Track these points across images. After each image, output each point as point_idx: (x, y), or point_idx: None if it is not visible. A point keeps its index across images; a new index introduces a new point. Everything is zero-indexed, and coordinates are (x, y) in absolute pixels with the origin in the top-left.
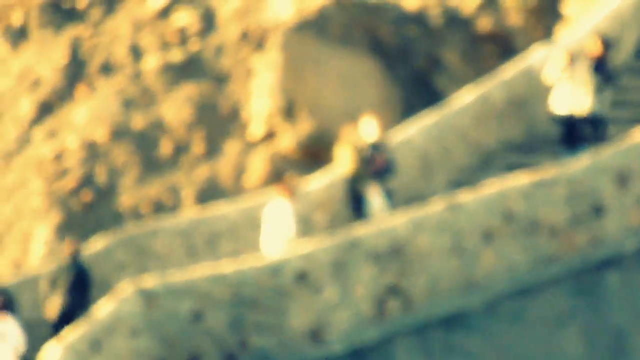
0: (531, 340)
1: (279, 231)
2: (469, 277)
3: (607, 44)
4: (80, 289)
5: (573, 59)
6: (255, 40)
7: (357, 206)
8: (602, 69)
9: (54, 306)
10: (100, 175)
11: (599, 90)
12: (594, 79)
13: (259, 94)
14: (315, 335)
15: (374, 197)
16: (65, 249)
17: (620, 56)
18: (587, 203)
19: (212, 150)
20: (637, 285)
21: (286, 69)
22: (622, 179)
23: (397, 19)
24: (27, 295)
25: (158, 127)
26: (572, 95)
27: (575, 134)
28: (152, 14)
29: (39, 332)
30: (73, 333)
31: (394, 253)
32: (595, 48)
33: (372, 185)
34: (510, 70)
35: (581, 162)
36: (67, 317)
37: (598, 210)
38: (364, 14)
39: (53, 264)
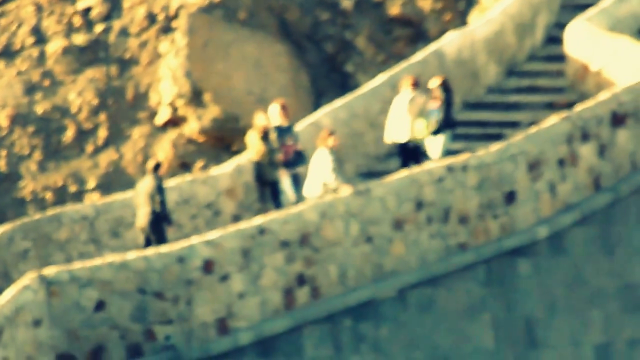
0: (441, 329)
1: (318, 177)
2: (378, 266)
3: (447, 87)
4: None
5: (416, 85)
6: (161, 24)
7: (265, 192)
8: (446, 113)
9: None
10: (1, 161)
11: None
12: (422, 112)
13: (165, 78)
14: (222, 324)
15: (284, 183)
16: None
17: (532, 42)
18: (499, 190)
19: (117, 135)
20: (548, 273)
21: (192, 52)
22: (534, 166)
23: (307, 2)
24: None
25: (61, 112)
26: (401, 123)
27: (408, 158)
28: None
29: None
30: None
31: (303, 241)
32: (436, 92)
33: (282, 171)
34: (420, 54)
35: (492, 148)
36: None
37: (509, 197)
38: None
39: None
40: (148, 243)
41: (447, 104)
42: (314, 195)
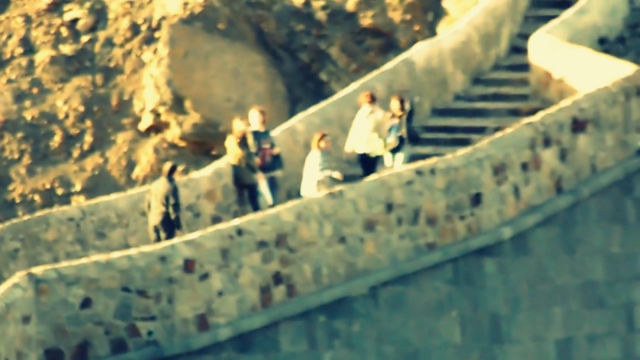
0: (411, 325)
1: (311, 177)
2: (351, 265)
3: (404, 103)
4: None
5: (373, 100)
6: (144, 34)
7: (243, 195)
8: (398, 129)
9: None
10: None
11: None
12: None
13: (148, 86)
14: (202, 321)
15: (261, 186)
16: None
17: (496, 51)
18: (465, 192)
19: (102, 140)
20: (513, 272)
21: (174, 62)
22: (499, 169)
23: (283, 14)
24: None
25: (49, 118)
26: (361, 136)
27: (368, 168)
28: (43, 8)
29: None
30: None
31: (279, 241)
32: (395, 109)
33: (259, 174)
34: (391, 63)
35: (459, 153)
36: None
37: (475, 199)
38: (250, 8)
39: None
40: (159, 240)
41: (408, 120)
42: (309, 194)
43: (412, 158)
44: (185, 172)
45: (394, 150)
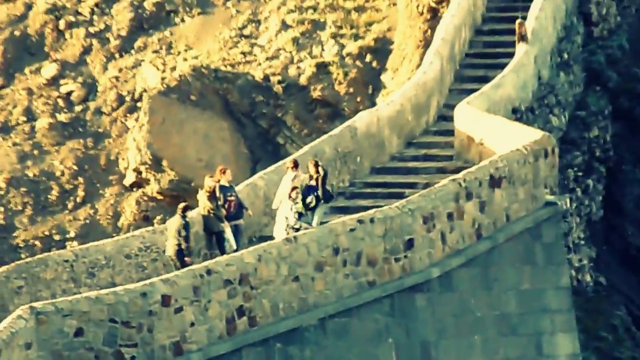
0: (354, 351)
1: (282, 223)
2: (303, 300)
3: (321, 167)
4: None
5: (296, 166)
6: (128, 104)
7: (211, 240)
8: (315, 190)
9: None
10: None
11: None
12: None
13: (131, 148)
14: (177, 347)
15: (227, 233)
16: None
17: (426, 119)
18: (400, 238)
19: (92, 194)
20: (440, 306)
21: (153, 128)
22: (428, 219)
23: (245, 87)
24: None
25: (48, 176)
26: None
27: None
28: (43, 82)
29: None
30: None
31: (242, 280)
32: (312, 172)
33: (225, 223)
34: (337, 129)
35: (395, 205)
36: None
37: (409, 244)
38: (218, 81)
39: None
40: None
41: (323, 182)
42: (280, 236)
43: (355, 210)
44: (163, 221)
45: (313, 209)
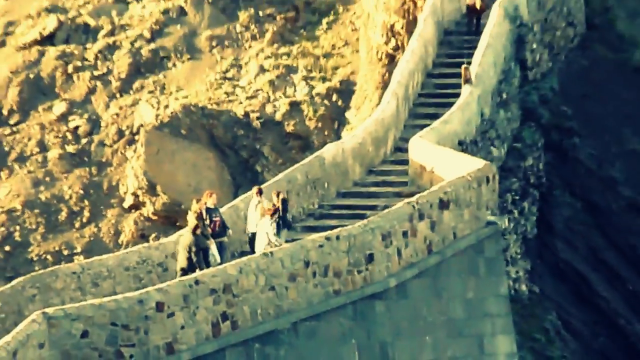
0: (322, 351)
1: (262, 239)
2: (279, 306)
3: (283, 199)
4: None
5: (260, 193)
6: (127, 138)
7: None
8: (283, 217)
9: None
10: (17, 233)
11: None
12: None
13: (130, 175)
14: (170, 347)
15: (212, 249)
16: None
17: (384, 150)
18: (362, 253)
19: (96, 215)
20: (396, 311)
21: (148, 158)
22: (386, 236)
23: (229, 122)
24: None
25: (58, 199)
26: (252, 220)
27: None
28: (54, 119)
29: None
30: None
31: (225, 289)
32: (275, 201)
33: (210, 240)
34: (308, 159)
35: (357, 224)
36: None
37: (369, 258)
38: (204, 118)
39: None
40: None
41: (284, 210)
42: (260, 249)
43: (323, 228)
44: (157, 238)
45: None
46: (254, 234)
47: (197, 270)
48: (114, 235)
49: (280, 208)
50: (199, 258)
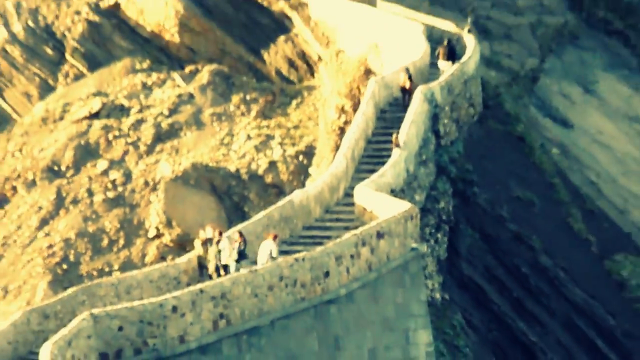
0: (292, 342)
1: (264, 257)
2: (261, 309)
3: (244, 237)
4: None
5: (221, 234)
6: (151, 186)
7: (203, 272)
8: (242, 254)
9: None
10: (71, 256)
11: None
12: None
13: (153, 214)
14: (182, 338)
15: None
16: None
17: (337, 196)
18: (320, 270)
19: (129, 243)
20: (346, 312)
21: (167, 201)
22: (338, 258)
23: (225, 176)
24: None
25: (101, 232)
26: (225, 253)
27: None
28: (99, 173)
29: None
30: (56, 336)
31: (222, 296)
32: (236, 237)
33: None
34: (281, 202)
35: (317, 249)
36: None
37: (326, 274)
38: (208, 172)
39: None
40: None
41: (244, 243)
42: (262, 264)
43: (293, 252)
44: (173, 259)
45: (237, 261)
46: (225, 266)
47: (222, 272)
48: (141, 257)
49: (241, 242)
50: (218, 266)
